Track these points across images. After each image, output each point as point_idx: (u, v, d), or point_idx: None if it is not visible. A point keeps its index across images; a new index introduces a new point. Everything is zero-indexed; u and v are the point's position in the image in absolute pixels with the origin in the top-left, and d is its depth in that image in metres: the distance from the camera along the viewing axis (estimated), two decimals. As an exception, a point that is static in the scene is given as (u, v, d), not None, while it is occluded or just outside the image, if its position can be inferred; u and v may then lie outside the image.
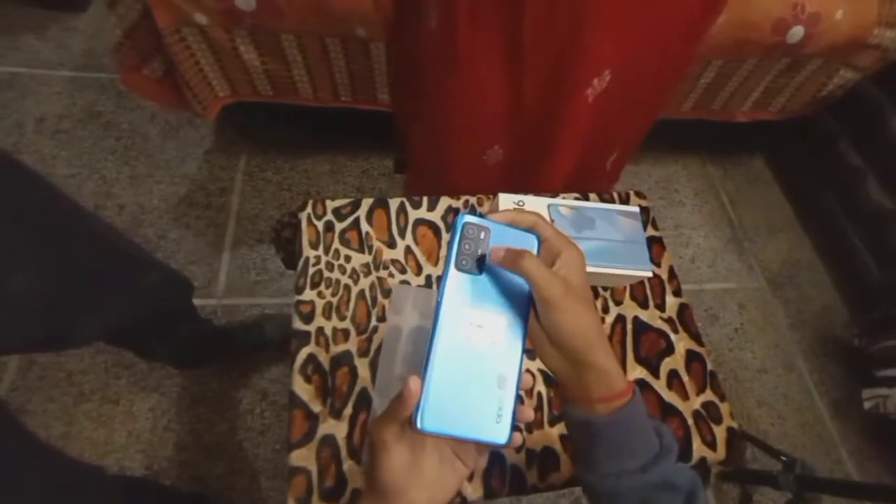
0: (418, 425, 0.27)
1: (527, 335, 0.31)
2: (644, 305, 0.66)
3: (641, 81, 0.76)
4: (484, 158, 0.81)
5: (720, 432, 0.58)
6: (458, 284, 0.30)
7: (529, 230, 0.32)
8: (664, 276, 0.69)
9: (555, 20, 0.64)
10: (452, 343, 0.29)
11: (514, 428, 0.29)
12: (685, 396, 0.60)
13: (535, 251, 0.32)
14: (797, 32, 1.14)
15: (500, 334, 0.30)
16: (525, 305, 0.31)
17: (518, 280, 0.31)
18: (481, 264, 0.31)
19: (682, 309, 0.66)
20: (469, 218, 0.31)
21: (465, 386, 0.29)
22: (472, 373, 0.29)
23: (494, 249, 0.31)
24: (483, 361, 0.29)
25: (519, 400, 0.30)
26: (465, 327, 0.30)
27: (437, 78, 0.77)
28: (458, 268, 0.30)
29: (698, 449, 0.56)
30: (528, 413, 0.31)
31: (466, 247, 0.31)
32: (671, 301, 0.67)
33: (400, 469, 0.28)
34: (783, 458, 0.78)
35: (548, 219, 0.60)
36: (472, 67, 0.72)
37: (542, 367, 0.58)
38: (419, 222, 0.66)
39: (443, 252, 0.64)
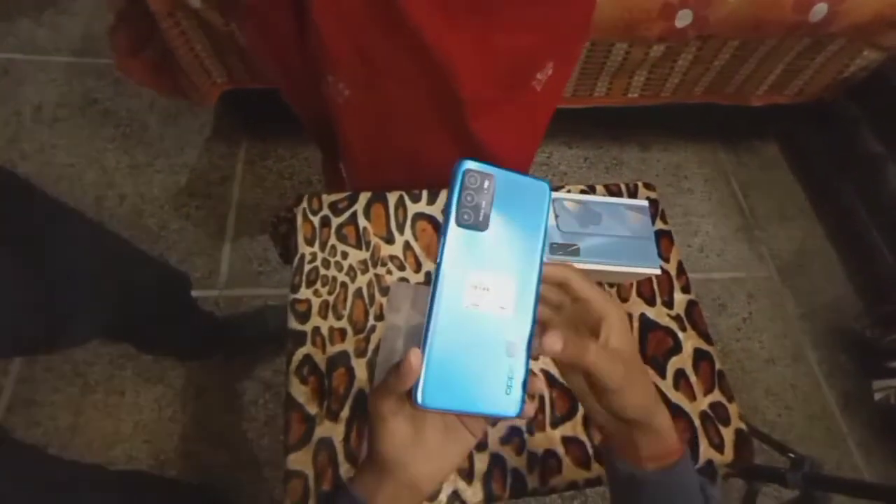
0: (419, 402, 0.25)
1: (539, 298, 0.28)
2: (651, 302, 0.64)
3: (573, 59, 0.78)
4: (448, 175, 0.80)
5: (728, 434, 0.56)
6: (459, 242, 0.26)
7: (540, 179, 0.28)
8: (672, 272, 0.66)
9: (487, 53, 0.62)
10: (455, 309, 0.26)
11: (525, 399, 0.27)
12: (692, 397, 0.58)
13: (546, 201, 0.28)
14: (820, 10, 1.08)
15: (508, 297, 0.27)
16: (536, 262, 0.28)
17: (528, 234, 0.28)
18: (486, 218, 0.27)
19: (691, 306, 0.64)
20: (471, 164, 0.27)
21: (470, 356, 0.26)
22: (478, 341, 0.26)
23: (549, 339, 0.27)
24: (490, 328, 0.26)
25: (530, 370, 0.27)
26: (470, 291, 0.26)
27: (365, 134, 0.74)
28: (460, 223, 0.26)
29: (705, 451, 0.55)
30: (539, 385, 0.29)
31: (468, 198, 0.27)
32: (679, 298, 0.65)
33: (400, 442, 0.27)
34: (791, 456, 0.76)
35: (552, 215, 0.58)
36: (407, 121, 0.70)
37: (546, 367, 0.57)
38: (418, 217, 0.64)
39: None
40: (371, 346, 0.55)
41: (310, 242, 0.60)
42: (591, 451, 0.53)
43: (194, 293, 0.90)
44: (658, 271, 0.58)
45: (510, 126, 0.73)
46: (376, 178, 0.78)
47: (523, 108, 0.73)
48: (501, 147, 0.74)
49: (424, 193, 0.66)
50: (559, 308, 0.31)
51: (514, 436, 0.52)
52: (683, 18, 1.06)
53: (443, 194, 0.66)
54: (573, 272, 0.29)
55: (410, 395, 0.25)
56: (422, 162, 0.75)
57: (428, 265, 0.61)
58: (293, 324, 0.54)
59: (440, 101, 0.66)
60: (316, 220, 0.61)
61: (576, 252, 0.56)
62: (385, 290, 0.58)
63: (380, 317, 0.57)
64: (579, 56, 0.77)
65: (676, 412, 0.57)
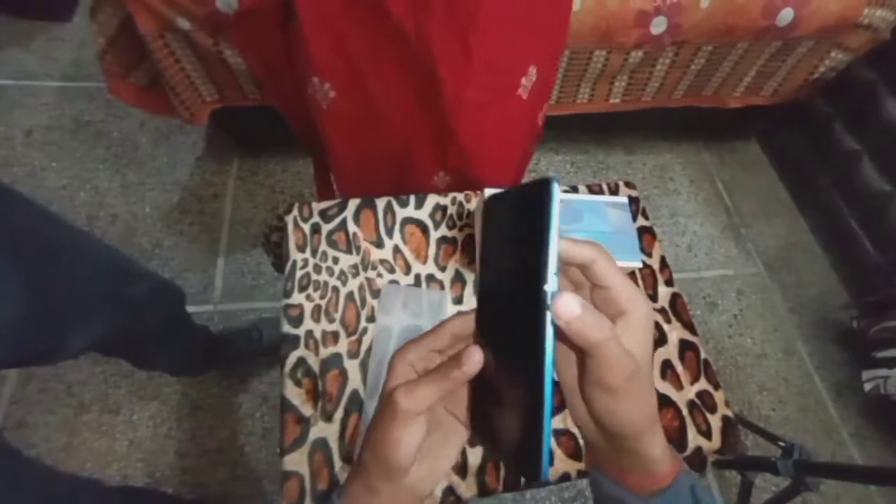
0: (546, 476, 0.21)
1: None
2: (636, 296, 0.65)
3: (555, 64, 0.78)
4: (434, 183, 0.81)
5: (715, 421, 0.58)
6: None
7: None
8: (656, 267, 0.68)
9: (470, 55, 0.64)
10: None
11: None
12: (679, 386, 0.60)
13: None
14: (787, 15, 1.13)
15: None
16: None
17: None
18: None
19: (675, 298, 0.66)
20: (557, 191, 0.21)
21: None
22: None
23: (566, 301, 0.21)
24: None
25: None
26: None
27: (351, 140, 0.75)
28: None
29: (693, 439, 0.56)
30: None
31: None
32: (663, 291, 0.66)
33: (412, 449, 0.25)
34: (781, 444, 0.78)
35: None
36: (391, 122, 0.71)
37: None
38: (407, 221, 0.66)
39: (431, 251, 0.64)
40: (364, 348, 0.56)
41: (301, 249, 0.61)
42: (582, 442, 0.54)
43: (189, 309, 0.90)
44: (640, 264, 0.60)
45: (493, 133, 0.74)
46: (363, 184, 0.79)
47: (509, 116, 0.74)
48: (483, 153, 0.75)
49: (412, 198, 0.67)
50: (578, 287, 0.26)
51: (506, 430, 0.53)
52: (658, 25, 1.10)
53: (430, 199, 0.68)
54: (601, 253, 0.24)
55: (525, 473, 0.21)
56: (407, 166, 0.77)
57: (417, 267, 0.63)
58: (286, 328, 0.55)
59: (424, 102, 0.67)
60: (306, 227, 0.63)
61: (559, 248, 0.57)
62: (376, 293, 0.60)
63: (371, 319, 0.58)
64: (559, 59, 0.79)
65: (664, 402, 0.58)
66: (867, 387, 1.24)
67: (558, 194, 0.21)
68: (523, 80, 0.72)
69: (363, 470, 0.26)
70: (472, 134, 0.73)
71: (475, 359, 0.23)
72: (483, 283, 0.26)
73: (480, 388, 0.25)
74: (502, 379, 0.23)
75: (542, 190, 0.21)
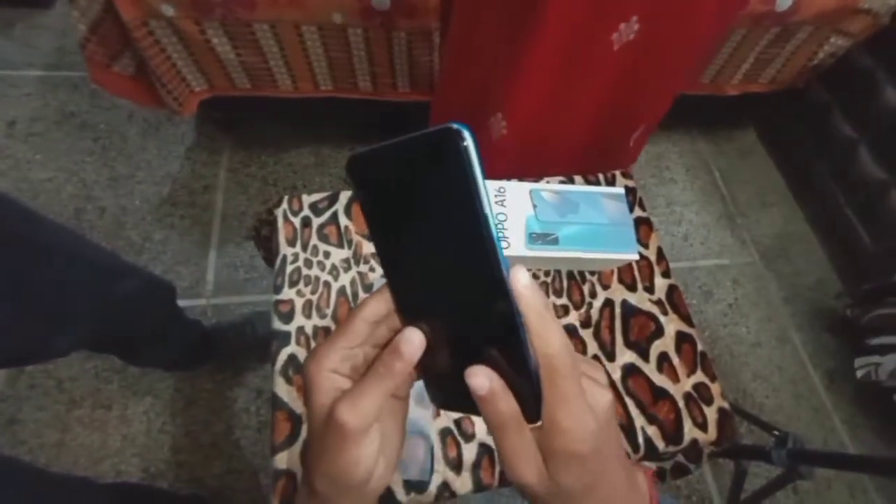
0: None
1: None
2: (632, 288, 0.65)
3: (671, 40, 0.71)
4: (488, 125, 0.76)
5: (711, 413, 0.57)
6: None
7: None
8: (653, 258, 0.67)
9: None
10: None
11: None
12: (676, 379, 0.59)
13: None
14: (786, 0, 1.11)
15: None
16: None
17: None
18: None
19: (672, 290, 0.65)
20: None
21: None
22: None
23: (521, 275, 0.20)
24: None
25: None
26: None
27: (469, 29, 0.74)
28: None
29: (689, 431, 0.56)
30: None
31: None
32: (660, 283, 0.66)
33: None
34: (775, 433, 0.78)
35: (530, 205, 0.59)
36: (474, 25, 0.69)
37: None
38: (400, 214, 0.64)
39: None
40: (356, 344, 0.55)
41: (291, 243, 0.60)
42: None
43: (181, 303, 0.89)
44: (636, 257, 0.59)
45: (565, 84, 0.69)
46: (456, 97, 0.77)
47: (590, 62, 0.69)
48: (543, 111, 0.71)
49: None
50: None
51: (501, 425, 0.52)
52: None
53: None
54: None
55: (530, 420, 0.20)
56: (482, 93, 0.74)
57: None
58: (277, 324, 0.54)
59: (519, 19, 0.65)
60: (297, 220, 0.61)
61: (554, 241, 0.56)
62: (368, 288, 0.59)
63: (364, 314, 0.57)
64: (670, 29, 0.70)
65: (660, 395, 0.58)
66: (859, 374, 1.25)
67: (472, 140, 0.18)
68: (622, 26, 0.66)
69: (320, 497, 0.23)
70: (542, 73, 0.68)
71: (415, 343, 0.21)
72: (387, 254, 0.23)
73: (429, 362, 0.22)
74: (457, 346, 0.21)
75: (446, 139, 0.18)
